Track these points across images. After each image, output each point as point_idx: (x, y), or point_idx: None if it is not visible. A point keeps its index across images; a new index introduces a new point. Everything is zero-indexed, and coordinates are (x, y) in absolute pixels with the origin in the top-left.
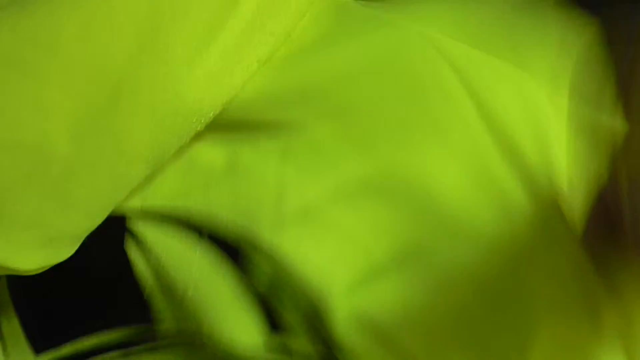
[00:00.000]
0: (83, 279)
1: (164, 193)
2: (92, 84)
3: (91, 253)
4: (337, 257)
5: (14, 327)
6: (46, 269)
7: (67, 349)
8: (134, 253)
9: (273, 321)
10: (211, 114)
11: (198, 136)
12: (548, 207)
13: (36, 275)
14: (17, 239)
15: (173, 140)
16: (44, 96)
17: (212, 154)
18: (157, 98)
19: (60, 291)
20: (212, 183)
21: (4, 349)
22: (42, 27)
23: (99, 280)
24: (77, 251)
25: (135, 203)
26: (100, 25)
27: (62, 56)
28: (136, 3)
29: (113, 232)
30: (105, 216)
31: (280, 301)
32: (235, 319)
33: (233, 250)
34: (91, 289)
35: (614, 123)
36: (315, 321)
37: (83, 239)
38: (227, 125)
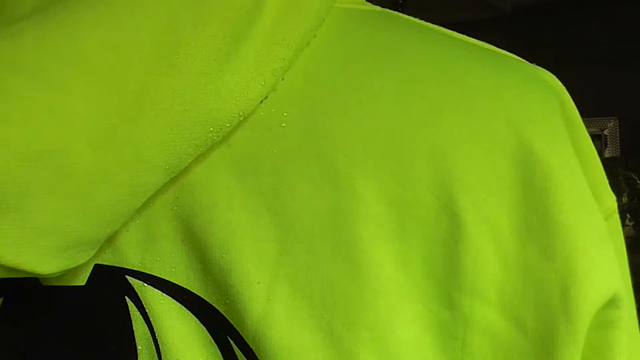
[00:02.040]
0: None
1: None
2: (114, 95)
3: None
4: None
5: None
6: (66, 271)
7: None
8: (133, 311)
9: None
10: (228, 125)
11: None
12: None
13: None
14: (38, 244)
15: (190, 150)
16: (66, 107)
17: None
18: (177, 108)
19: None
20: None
21: None
22: (65, 39)
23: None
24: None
25: (134, 260)
26: (121, 37)
27: (85, 67)
28: (157, 14)
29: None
30: (123, 222)
31: None
32: None
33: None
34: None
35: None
36: None
37: (102, 242)
38: None
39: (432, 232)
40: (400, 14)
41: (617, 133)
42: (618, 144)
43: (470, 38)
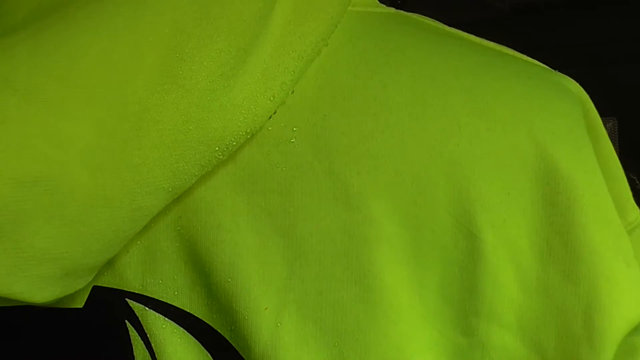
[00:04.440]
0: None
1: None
2: (113, 115)
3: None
4: None
5: None
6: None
7: None
8: (133, 336)
9: None
10: (234, 144)
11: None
12: None
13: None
14: (32, 273)
15: (195, 170)
16: (63, 128)
17: None
18: (180, 128)
19: None
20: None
21: None
22: (61, 55)
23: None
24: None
25: (134, 282)
26: (121, 52)
27: (82, 86)
28: (159, 26)
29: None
30: (123, 246)
31: None
32: None
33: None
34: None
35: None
36: None
37: (100, 268)
38: None
39: (448, 255)
40: (414, 16)
41: (616, 133)
42: (617, 144)
43: (488, 41)
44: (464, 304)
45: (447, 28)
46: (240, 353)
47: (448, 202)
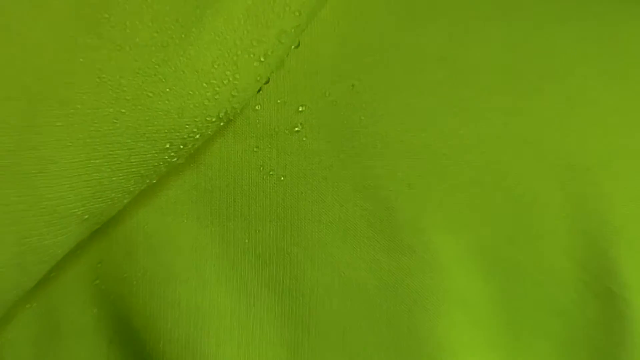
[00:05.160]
0: None
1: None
2: None
3: None
4: None
5: None
6: None
7: None
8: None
9: None
10: (197, 137)
11: None
12: None
13: None
14: None
15: (128, 184)
16: None
17: None
18: (103, 111)
19: None
20: None
21: None
22: None
23: None
24: None
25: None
26: None
27: None
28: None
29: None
30: (4, 311)
31: None
32: None
33: None
34: None
35: None
36: None
37: None
38: None
39: (569, 326)
40: None
41: None
42: None
43: None
44: None
45: None
46: None
47: (568, 235)
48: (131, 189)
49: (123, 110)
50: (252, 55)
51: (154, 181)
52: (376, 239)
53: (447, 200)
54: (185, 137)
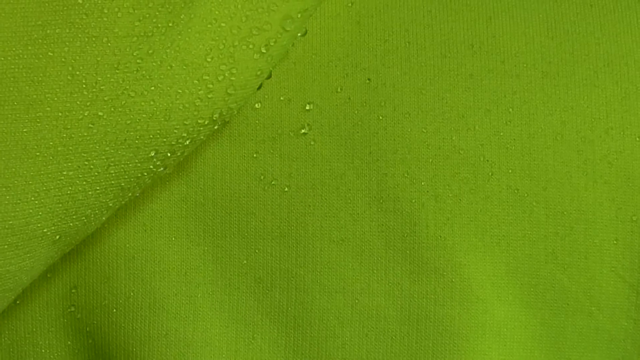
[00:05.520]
0: None
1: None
2: None
3: None
4: None
5: None
6: None
7: None
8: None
9: None
10: (187, 143)
11: None
12: None
13: None
14: None
15: (107, 198)
16: None
17: None
18: (76, 115)
19: None
20: None
21: None
22: None
23: None
24: None
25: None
26: None
27: None
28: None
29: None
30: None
31: None
32: None
33: None
34: None
35: None
36: None
37: None
38: None
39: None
40: None
41: None
42: None
43: None
44: None
45: None
46: None
47: (619, 254)
48: (110, 205)
49: (100, 113)
50: (251, 46)
51: (137, 195)
52: (396, 260)
53: (480, 214)
54: (174, 143)
